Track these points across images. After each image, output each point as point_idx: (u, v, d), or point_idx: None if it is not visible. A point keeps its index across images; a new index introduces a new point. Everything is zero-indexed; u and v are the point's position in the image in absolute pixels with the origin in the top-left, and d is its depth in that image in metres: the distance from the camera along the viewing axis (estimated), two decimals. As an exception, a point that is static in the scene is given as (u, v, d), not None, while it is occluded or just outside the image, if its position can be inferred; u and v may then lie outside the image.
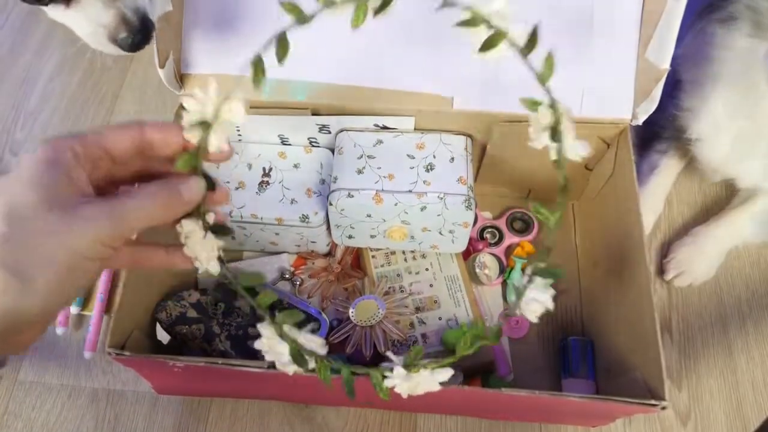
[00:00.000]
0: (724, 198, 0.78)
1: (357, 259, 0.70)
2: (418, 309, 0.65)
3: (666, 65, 0.55)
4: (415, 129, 0.64)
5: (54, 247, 0.33)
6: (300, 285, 0.68)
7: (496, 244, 0.72)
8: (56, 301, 0.34)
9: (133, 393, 0.65)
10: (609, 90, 0.59)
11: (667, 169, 0.76)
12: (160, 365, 0.52)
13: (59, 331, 0.68)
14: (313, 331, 0.60)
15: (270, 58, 0.60)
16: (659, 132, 0.78)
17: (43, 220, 0.33)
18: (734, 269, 0.73)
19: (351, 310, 0.62)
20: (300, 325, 0.61)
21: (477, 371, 0.63)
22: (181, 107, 0.62)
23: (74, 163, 0.35)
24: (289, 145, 0.67)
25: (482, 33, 0.38)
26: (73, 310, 0.69)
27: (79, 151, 0.36)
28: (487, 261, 0.69)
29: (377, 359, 0.62)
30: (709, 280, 0.72)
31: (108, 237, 0.34)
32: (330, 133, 0.65)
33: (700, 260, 0.72)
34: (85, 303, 0.70)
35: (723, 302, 0.71)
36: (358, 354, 0.62)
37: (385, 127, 0.63)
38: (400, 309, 0.64)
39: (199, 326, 0.60)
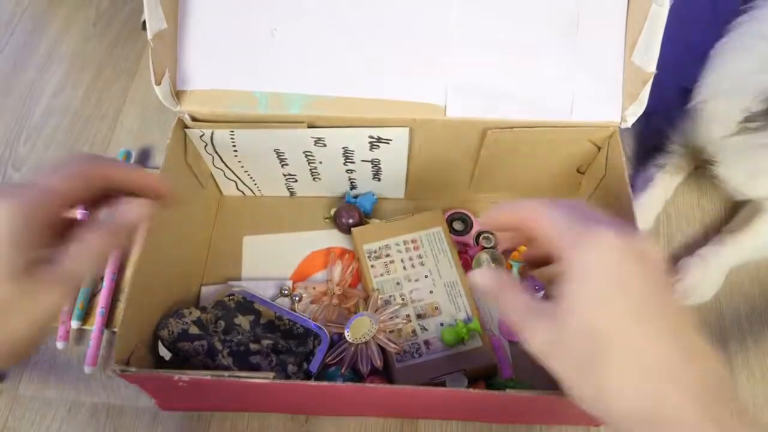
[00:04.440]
0: (723, 213, 0.78)
1: (357, 278, 0.71)
2: (419, 316, 0.65)
3: (652, 68, 0.56)
4: (409, 139, 0.64)
5: (18, 323, 0.36)
6: (299, 301, 0.68)
7: (492, 249, 0.72)
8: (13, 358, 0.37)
9: (133, 408, 0.65)
10: (598, 94, 0.60)
11: (663, 183, 0.76)
12: (165, 380, 0.52)
13: (59, 345, 0.68)
14: (314, 346, 0.61)
15: (265, 70, 0.61)
16: (664, 145, 0.78)
17: (7, 293, 0.35)
18: (734, 285, 0.73)
19: (346, 331, 0.63)
20: (301, 340, 0.62)
21: (481, 376, 0.63)
22: (180, 123, 0.63)
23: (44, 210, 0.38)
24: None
25: None
26: (74, 324, 0.69)
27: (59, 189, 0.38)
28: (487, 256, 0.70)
29: (376, 372, 0.62)
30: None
31: (65, 300, 0.38)
32: (326, 146, 0.65)
33: (708, 280, 0.72)
34: (85, 318, 0.70)
35: (723, 318, 0.71)
36: (355, 371, 0.62)
37: (380, 139, 0.64)
38: (393, 320, 0.64)
39: (201, 342, 0.60)
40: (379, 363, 0.61)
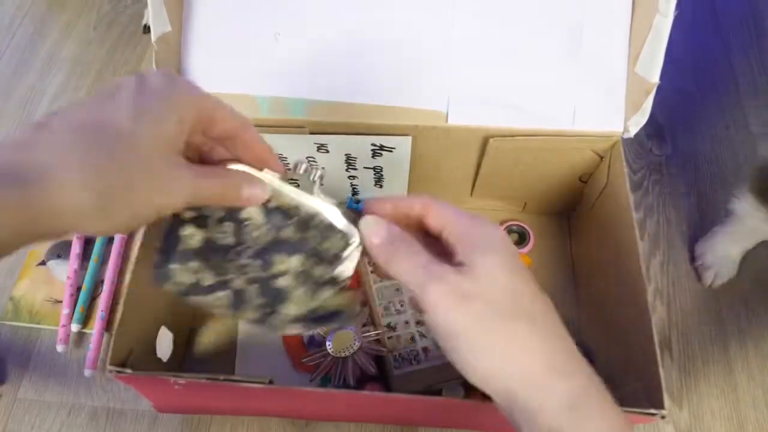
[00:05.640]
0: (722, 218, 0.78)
1: (356, 281, 0.70)
2: (418, 323, 0.65)
3: (655, 79, 0.56)
4: (412, 148, 0.64)
5: (141, 200, 0.34)
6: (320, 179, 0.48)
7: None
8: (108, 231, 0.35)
9: (133, 411, 0.65)
10: (600, 104, 0.60)
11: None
12: (161, 383, 0.52)
13: (59, 348, 0.68)
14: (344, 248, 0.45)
15: (267, 75, 0.61)
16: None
17: (145, 173, 0.33)
18: (734, 287, 0.73)
19: (328, 343, 0.62)
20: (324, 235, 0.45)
21: (476, 389, 0.62)
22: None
23: (190, 123, 0.37)
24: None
25: None
26: (74, 328, 0.69)
27: (198, 115, 0.37)
28: None
29: (374, 379, 0.62)
30: (707, 299, 0.73)
31: (182, 203, 0.36)
32: (328, 152, 0.65)
33: (727, 258, 0.73)
34: (85, 321, 0.70)
35: (723, 320, 0.71)
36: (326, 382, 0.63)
37: (383, 147, 0.64)
38: (375, 345, 0.63)
39: (217, 295, 0.44)
40: (352, 382, 0.61)
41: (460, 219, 0.40)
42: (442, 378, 0.61)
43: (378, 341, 0.64)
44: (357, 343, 0.62)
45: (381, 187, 0.73)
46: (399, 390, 0.60)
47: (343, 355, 0.61)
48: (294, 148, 0.65)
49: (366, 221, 0.41)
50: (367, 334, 0.63)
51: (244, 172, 0.41)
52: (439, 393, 0.60)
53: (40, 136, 0.32)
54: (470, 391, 0.62)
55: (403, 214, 0.42)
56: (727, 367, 0.68)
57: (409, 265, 0.38)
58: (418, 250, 0.39)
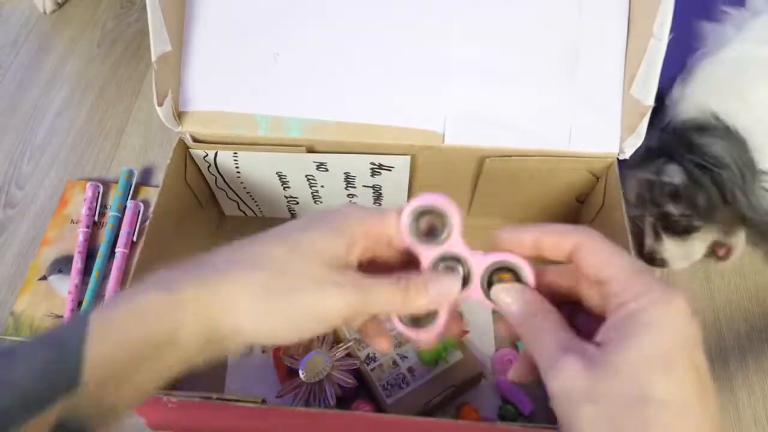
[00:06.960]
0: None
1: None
2: (396, 346, 0.65)
3: (650, 102, 0.56)
4: (410, 167, 0.65)
5: (301, 302, 0.35)
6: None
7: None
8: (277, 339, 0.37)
9: (130, 424, 0.65)
10: (596, 125, 0.60)
11: None
12: (154, 401, 0.52)
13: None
14: None
15: (266, 94, 0.62)
16: None
17: (305, 277, 0.35)
18: (733, 303, 0.73)
19: (300, 371, 0.62)
20: None
21: (471, 386, 0.64)
22: (180, 143, 0.63)
23: (354, 244, 0.38)
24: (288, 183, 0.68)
25: None
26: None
27: (365, 235, 0.39)
28: None
29: (368, 401, 0.62)
30: (706, 314, 0.72)
31: (341, 314, 0.35)
32: (328, 171, 0.65)
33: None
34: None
35: (723, 336, 0.71)
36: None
37: (381, 166, 0.64)
38: (346, 359, 0.63)
39: None
40: (332, 402, 0.61)
41: (622, 273, 0.33)
42: (435, 392, 0.61)
43: (349, 355, 0.64)
44: (329, 363, 0.62)
45: (380, 205, 0.73)
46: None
47: (317, 379, 0.61)
48: (294, 166, 0.66)
49: (502, 290, 0.37)
50: (336, 350, 0.63)
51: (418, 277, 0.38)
52: (428, 415, 0.60)
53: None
54: (463, 393, 0.63)
55: (547, 249, 0.36)
56: (727, 383, 0.68)
57: (543, 345, 0.33)
58: (557, 328, 0.34)
